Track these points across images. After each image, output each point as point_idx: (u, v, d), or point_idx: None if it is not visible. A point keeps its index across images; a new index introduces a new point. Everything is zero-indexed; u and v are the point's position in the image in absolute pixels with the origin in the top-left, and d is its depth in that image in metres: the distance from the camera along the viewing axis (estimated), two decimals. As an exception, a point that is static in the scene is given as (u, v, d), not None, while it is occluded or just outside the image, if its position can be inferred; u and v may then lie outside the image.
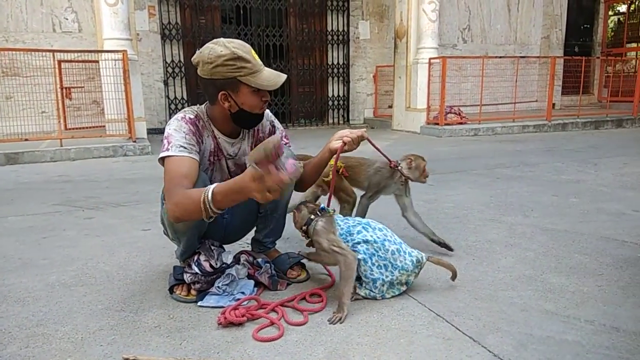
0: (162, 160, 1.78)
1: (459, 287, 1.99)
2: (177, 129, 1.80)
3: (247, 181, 1.48)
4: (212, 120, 1.92)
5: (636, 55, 12.79)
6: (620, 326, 1.65)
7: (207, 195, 1.56)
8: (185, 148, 1.76)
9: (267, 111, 2.07)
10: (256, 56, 1.82)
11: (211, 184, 1.97)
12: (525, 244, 2.50)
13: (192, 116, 1.86)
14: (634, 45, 13.15)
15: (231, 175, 2.07)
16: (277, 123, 2.14)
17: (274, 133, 2.08)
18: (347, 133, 1.94)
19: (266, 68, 1.84)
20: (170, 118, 1.89)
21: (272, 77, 1.82)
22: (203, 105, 1.95)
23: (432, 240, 2.40)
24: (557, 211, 3.14)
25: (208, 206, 1.57)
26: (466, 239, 2.59)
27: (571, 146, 6.53)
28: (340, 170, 2.44)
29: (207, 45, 1.79)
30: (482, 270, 2.15)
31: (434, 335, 1.60)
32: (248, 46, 1.81)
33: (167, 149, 1.76)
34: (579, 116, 9.02)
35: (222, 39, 1.81)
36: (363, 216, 2.40)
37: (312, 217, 1.90)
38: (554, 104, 9.43)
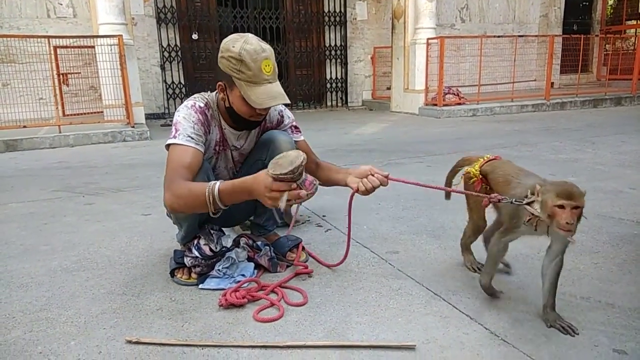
0: (168, 146, 1.79)
1: (456, 266, 2.01)
2: (186, 117, 1.79)
3: (260, 187, 1.51)
4: (220, 110, 1.92)
5: (635, 33, 12.69)
6: (615, 302, 1.68)
7: (214, 192, 1.57)
8: (192, 138, 1.76)
9: None
10: (267, 69, 1.73)
11: (214, 172, 1.98)
12: (522, 223, 2.52)
13: (202, 105, 1.86)
14: (633, 22, 13.04)
15: (235, 164, 2.08)
16: (287, 113, 2.12)
17: (282, 123, 2.09)
18: (367, 173, 1.81)
19: (269, 85, 1.75)
20: (167, 103, 1.88)
21: (262, 96, 1.73)
22: (214, 93, 1.95)
23: (546, 307, 1.58)
24: (555, 190, 3.16)
25: (215, 201, 1.58)
26: (464, 220, 2.61)
27: (569, 125, 6.53)
28: (473, 181, 1.82)
29: (235, 35, 1.79)
30: (479, 250, 2.17)
31: (431, 314, 1.63)
32: (264, 56, 1.73)
33: (175, 137, 1.76)
34: (577, 95, 8.99)
35: (250, 36, 1.77)
36: (494, 264, 1.71)
37: None
38: (552, 83, 9.39)
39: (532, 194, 1.48)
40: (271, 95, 1.75)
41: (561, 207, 1.38)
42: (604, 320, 1.56)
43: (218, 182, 1.60)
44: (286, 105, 1.94)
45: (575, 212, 1.39)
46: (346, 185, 1.90)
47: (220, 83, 1.82)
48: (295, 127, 2.13)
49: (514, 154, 4.49)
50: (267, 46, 1.78)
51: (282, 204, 1.50)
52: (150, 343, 1.49)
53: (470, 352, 1.40)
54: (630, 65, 9.63)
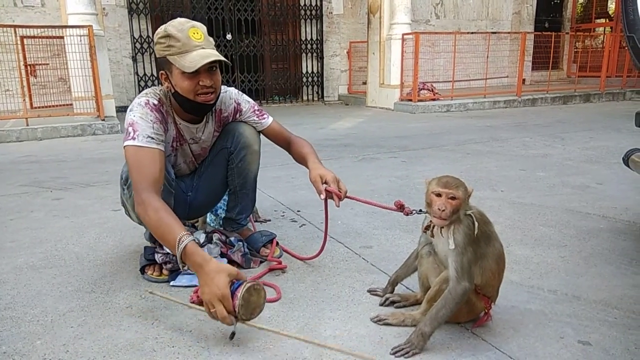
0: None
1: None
2: (143, 117, 1.72)
3: (212, 284, 1.41)
4: (172, 105, 1.87)
5: (604, 31, 13.01)
6: (581, 295, 1.72)
7: (179, 250, 1.48)
8: (152, 139, 1.70)
9: (233, 90, 2.03)
10: (196, 36, 1.70)
11: (175, 169, 1.94)
12: (492, 217, 2.51)
13: (155, 101, 1.79)
14: (602, 21, 13.37)
15: (195, 157, 2.04)
16: (244, 98, 2.04)
17: (241, 111, 2.02)
18: (325, 182, 1.80)
19: (203, 50, 1.71)
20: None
21: (195, 59, 1.67)
22: (165, 87, 1.87)
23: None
24: (524, 185, 3.22)
25: (178, 255, 1.49)
26: (436, 214, 2.64)
27: (540, 121, 6.66)
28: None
29: None
30: (451, 244, 2.20)
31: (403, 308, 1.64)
32: (190, 25, 1.72)
33: (134, 137, 1.68)
34: (548, 91, 9.18)
35: (177, 18, 1.78)
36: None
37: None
38: (524, 80, 9.57)
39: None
40: (204, 55, 1.69)
41: (438, 195, 1.40)
42: (570, 313, 1.60)
43: (188, 243, 1.47)
44: (264, 98, 1.90)
45: (450, 201, 1.39)
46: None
47: (161, 72, 1.78)
48: (259, 110, 2.06)
49: (486, 149, 4.56)
50: (196, 22, 1.76)
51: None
52: (164, 297, 1.64)
53: (441, 345, 1.42)
54: (598, 63, 9.88)
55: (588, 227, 2.41)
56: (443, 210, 1.38)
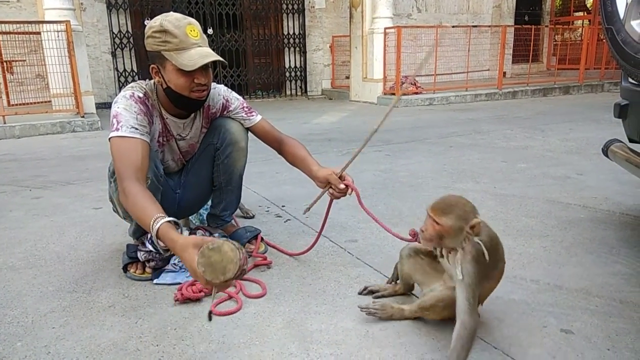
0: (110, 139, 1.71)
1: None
2: (127, 108, 1.71)
3: (185, 261, 1.34)
4: (159, 99, 1.85)
5: (582, 24, 13.19)
6: (563, 284, 1.74)
7: (153, 232, 1.44)
8: (136, 129, 1.69)
9: (222, 86, 2.02)
10: (193, 34, 1.70)
11: (163, 164, 1.92)
12: (476, 209, 2.58)
13: (141, 94, 1.78)
14: (580, 14, 13.55)
15: (183, 155, 2.03)
16: (233, 95, 2.04)
17: (229, 108, 2.02)
18: (332, 180, 1.91)
19: (200, 48, 1.70)
20: (120, 91, 1.80)
21: (194, 57, 1.67)
22: (151, 81, 1.86)
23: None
24: (506, 177, 3.26)
25: (154, 239, 1.47)
26: (420, 207, 2.66)
27: (520, 113, 6.73)
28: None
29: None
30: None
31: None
32: (187, 22, 1.70)
33: (117, 129, 1.67)
34: (528, 84, 9.28)
35: (171, 12, 1.75)
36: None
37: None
38: (504, 73, 9.66)
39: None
40: (202, 54, 1.69)
41: (428, 217, 1.35)
42: (552, 302, 1.62)
43: (162, 223, 1.42)
44: (247, 93, 1.88)
45: (434, 225, 1.32)
46: (312, 178, 1.91)
47: (153, 66, 1.76)
48: (248, 107, 2.06)
49: (469, 142, 4.60)
50: (191, 19, 1.75)
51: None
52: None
53: (427, 337, 1.43)
54: (577, 56, 10.01)
55: (569, 217, 2.44)
56: (423, 231, 1.35)
